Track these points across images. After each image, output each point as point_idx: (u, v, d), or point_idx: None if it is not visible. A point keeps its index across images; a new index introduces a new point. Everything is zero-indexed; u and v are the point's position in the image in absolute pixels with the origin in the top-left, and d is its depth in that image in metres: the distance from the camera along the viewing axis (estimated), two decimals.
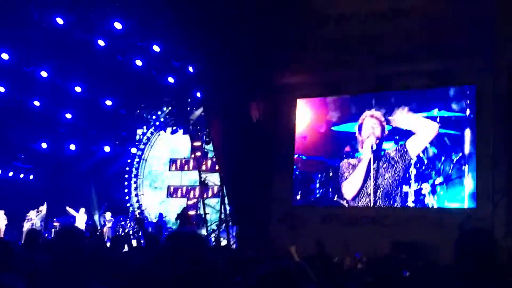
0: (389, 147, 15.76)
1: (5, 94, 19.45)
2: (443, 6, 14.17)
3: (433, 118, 15.24)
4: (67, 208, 19.95)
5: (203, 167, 20.39)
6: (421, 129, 15.38)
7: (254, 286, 3.85)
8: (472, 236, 3.35)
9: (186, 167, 22.29)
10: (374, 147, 15.77)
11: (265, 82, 16.16)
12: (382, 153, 15.78)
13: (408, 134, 15.60)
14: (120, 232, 19.77)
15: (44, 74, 19.11)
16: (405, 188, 15.33)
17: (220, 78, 16.17)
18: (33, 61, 18.80)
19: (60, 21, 17.06)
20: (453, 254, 3.34)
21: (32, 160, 22.85)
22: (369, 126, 16.14)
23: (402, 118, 15.64)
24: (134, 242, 16.32)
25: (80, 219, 19.69)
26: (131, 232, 20.32)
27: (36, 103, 20.44)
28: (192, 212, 20.45)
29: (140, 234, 16.51)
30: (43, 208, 20.03)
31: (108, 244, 11.67)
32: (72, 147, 22.45)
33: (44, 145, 22.25)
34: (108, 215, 20.54)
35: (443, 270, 4.27)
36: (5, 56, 17.74)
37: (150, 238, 9.42)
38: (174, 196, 22.60)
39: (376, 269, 4.97)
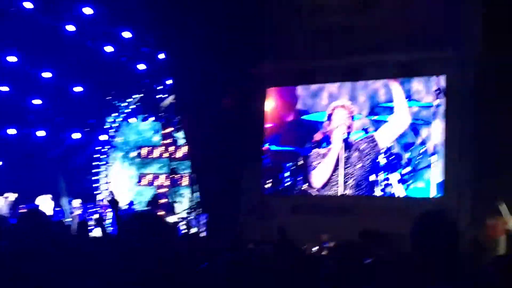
0: (358, 136, 15.88)
1: None
2: None
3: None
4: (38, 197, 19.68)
5: (173, 155, 20.35)
6: (397, 116, 15.49)
7: (220, 273, 3.87)
8: (427, 219, 3.38)
9: (156, 155, 22.16)
10: (345, 136, 15.88)
11: (235, 70, 16.12)
12: (352, 143, 15.89)
13: (377, 123, 15.73)
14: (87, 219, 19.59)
15: (12, 59, 18.83)
16: (373, 177, 15.48)
17: (191, 65, 16.12)
18: (0, 46, 18.50)
19: (29, 5, 16.82)
20: (412, 236, 3.37)
21: (1, 147, 22.50)
22: (338, 116, 16.24)
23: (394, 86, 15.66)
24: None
25: (46, 206, 19.44)
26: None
27: (4, 89, 20.13)
28: (162, 200, 20.37)
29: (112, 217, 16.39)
30: (11, 195, 19.73)
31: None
32: (41, 133, 22.15)
33: (11, 131, 21.92)
34: (76, 202, 20.34)
35: (405, 258, 4.32)
36: None
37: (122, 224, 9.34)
38: (144, 184, 22.48)
39: (339, 255, 5.01)
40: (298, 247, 6.41)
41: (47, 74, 19.83)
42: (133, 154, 23.05)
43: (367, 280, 4.55)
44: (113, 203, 7.50)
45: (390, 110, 15.64)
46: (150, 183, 22.14)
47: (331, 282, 4.51)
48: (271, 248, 4.87)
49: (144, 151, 22.47)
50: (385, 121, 15.66)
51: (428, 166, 14.86)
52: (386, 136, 15.51)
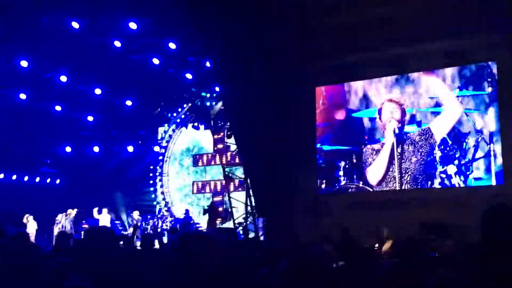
0: (411, 129, 15.62)
1: (27, 101, 19.69)
2: None
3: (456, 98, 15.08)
4: (94, 210, 20.14)
5: (227, 161, 20.46)
6: (448, 107, 15.20)
7: (278, 280, 3.85)
8: (499, 213, 3.30)
9: (209, 162, 22.34)
10: (397, 131, 15.63)
11: (282, 72, 16.08)
12: (405, 136, 15.64)
13: (429, 115, 15.45)
14: (148, 231, 19.90)
15: (63, 78, 19.31)
16: (431, 170, 15.20)
17: (237, 70, 16.16)
18: (51, 67, 19.00)
19: (75, 25, 17.20)
20: (480, 232, 3.29)
21: (58, 165, 23.09)
22: (388, 110, 16.00)
23: (433, 82, 15.41)
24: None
25: (104, 220, 19.87)
26: (159, 229, 20.48)
27: (58, 108, 20.66)
28: (219, 207, 20.51)
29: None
30: (72, 211, 20.23)
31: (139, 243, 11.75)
32: (96, 149, 22.64)
33: (68, 149, 22.47)
34: (135, 214, 20.68)
35: (471, 249, 4.22)
36: (24, 64, 17.93)
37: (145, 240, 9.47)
38: (200, 191, 22.68)
39: (403, 250, 4.92)
40: (360, 245, 6.31)
41: (97, 91, 20.24)
42: (187, 162, 23.30)
43: (432, 274, 4.46)
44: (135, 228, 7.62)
45: (440, 101, 15.35)
46: (205, 191, 22.32)
47: (394, 278, 4.44)
48: (332, 248, 4.82)
49: (197, 159, 22.68)
50: (438, 113, 15.36)
51: (486, 155, 14.50)
52: (441, 127, 15.20)
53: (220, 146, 20.55)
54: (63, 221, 20.10)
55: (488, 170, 14.48)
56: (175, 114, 22.93)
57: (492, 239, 3.22)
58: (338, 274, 4.14)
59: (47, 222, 20.30)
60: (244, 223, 17.97)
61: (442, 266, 4.51)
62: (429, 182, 15.22)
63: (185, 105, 22.34)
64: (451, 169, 14.98)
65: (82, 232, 19.98)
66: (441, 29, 14.31)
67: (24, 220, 19.68)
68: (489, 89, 14.61)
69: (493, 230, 3.23)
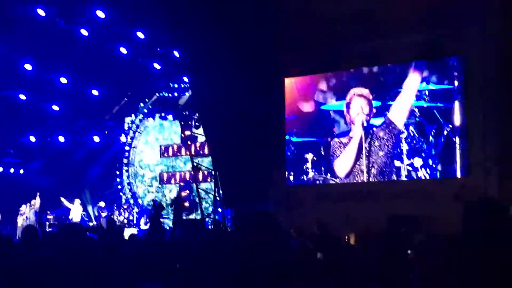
0: (378, 123, 15.78)
1: None
2: None
3: (421, 91, 15.25)
4: (62, 199, 19.87)
5: (194, 152, 20.39)
6: (403, 94, 15.40)
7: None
8: (482, 207, 3.37)
9: (177, 153, 22.24)
10: (365, 124, 15.79)
11: (252, 63, 16.05)
12: (372, 130, 15.80)
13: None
14: (116, 221, 19.74)
15: (28, 67, 18.97)
16: (398, 163, 15.39)
17: (206, 61, 16.09)
18: (17, 54, 18.65)
19: (41, 12, 16.91)
20: (462, 226, 3.36)
21: (22, 154, 22.71)
22: (357, 103, 16.12)
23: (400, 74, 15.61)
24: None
25: (75, 211, 19.64)
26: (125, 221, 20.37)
27: (22, 97, 20.31)
28: (186, 198, 20.45)
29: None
30: (36, 202, 19.94)
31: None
32: (61, 139, 22.33)
33: (32, 139, 22.12)
34: (102, 204, 20.49)
35: (451, 242, 4.29)
36: None
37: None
38: (166, 182, 22.59)
39: (380, 245, 4.99)
40: (339, 240, 6.37)
41: (63, 80, 19.95)
42: (154, 153, 23.16)
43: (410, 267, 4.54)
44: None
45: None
46: (172, 182, 22.24)
47: (377, 271, 4.50)
48: (311, 243, 4.85)
49: (164, 149, 22.56)
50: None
51: (452, 148, 14.74)
52: (398, 114, 15.37)
53: (188, 136, 20.46)
54: (27, 212, 19.81)
55: (453, 163, 14.73)
56: (142, 104, 22.75)
57: (474, 231, 3.29)
58: (320, 267, 4.18)
59: (11, 213, 19.99)
60: (213, 215, 17.96)
61: (422, 259, 4.59)
62: (396, 175, 15.43)
63: (153, 95, 22.16)
64: (417, 162, 15.19)
65: (47, 223, 19.76)
66: (410, 23, 14.46)
67: None
68: (456, 83, 14.83)
69: (476, 222, 3.30)
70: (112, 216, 19.19)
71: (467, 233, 3.40)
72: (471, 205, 3.51)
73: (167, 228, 17.74)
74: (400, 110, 15.40)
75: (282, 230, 3.16)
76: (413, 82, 15.32)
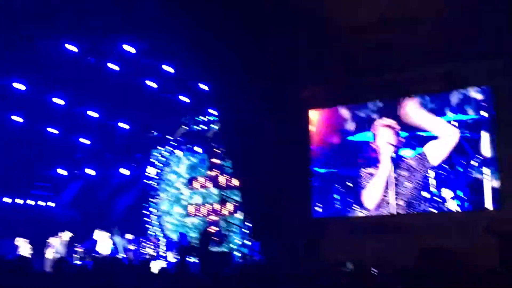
0: (407, 154, 15.68)
1: (22, 124, 19.66)
2: (455, 9, 14.07)
3: (448, 122, 15.17)
4: (96, 231, 19.91)
5: (222, 184, 20.44)
6: (443, 133, 15.27)
7: None
8: None
9: (205, 185, 22.29)
10: (393, 155, 15.71)
11: (278, 95, 16.17)
12: (400, 160, 15.70)
13: (425, 139, 15.52)
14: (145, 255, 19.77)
15: (59, 101, 19.34)
16: (426, 195, 15.24)
17: (233, 93, 16.25)
18: (48, 89, 19.02)
19: (73, 48, 17.29)
20: (504, 258, 3.31)
21: (52, 187, 23.00)
22: (384, 134, 16.07)
23: (415, 113, 15.51)
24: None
25: (104, 244, 19.73)
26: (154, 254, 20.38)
27: (53, 131, 20.66)
28: (214, 229, 20.44)
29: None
30: (65, 234, 20.08)
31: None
32: (91, 172, 22.60)
33: (62, 172, 22.42)
34: (129, 237, 20.55)
35: (486, 278, 4.23)
36: (21, 86, 17.95)
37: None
38: (194, 215, 22.62)
39: (412, 280, 4.93)
40: (370, 274, 6.32)
41: (93, 113, 20.27)
42: (182, 185, 23.25)
43: None
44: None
45: (435, 126, 15.44)
46: (200, 214, 22.25)
47: None
48: (344, 277, 4.82)
49: (192, 182, 22.62)
50: (433, 137, 15.44)
51: (482, 179, 14.56)
52: (437, 153, 15.26)
53: (216, 169, 20.56)
54: (57, 245, 19.93)
55: (483, 194, 14.53)
56: (171, 137, 22.93)
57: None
58: None
59: (40, 245, 20.12)
60: (241, 248, 17.91)
61: None
62: (424, 207, 15.26)
63: (180, 128, 22.34)
64: (447, 193, 15.03)
65: (77, 256, 19.84)
66: (437, 53, 14.45)
67: (16, 243, 19.53)
68: (484, 114, 14.71)
69: None
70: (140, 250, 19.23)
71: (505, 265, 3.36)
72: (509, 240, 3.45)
73: (196, 261, 17.71)
74: (439, 149, 15.26)
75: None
76: (445, 127, 15.21)
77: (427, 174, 15.25)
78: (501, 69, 13.91)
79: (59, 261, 8.74)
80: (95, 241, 19.96)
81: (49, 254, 19.93)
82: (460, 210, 14.71)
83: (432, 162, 15.23)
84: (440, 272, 7.07)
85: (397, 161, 15.70)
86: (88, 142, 21.55)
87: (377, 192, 15.90)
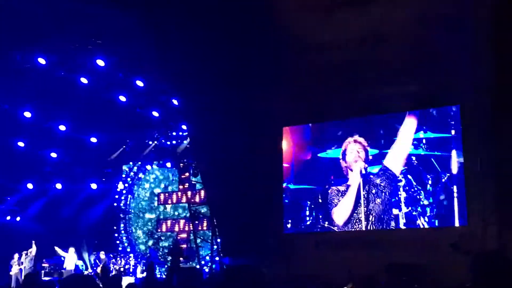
0: (375, 171, 15.83)
1: None
2: (423, 30, 14.32)
3: (419, 140, 15.35)
4: (56, 248, 19.70)
5: (192, 200, 20.35)
6: (399, 143, 15.52)
7: None
8: (489, 258, 3.39)
9: (174, 200, 22.16)
10: (363, 172, 15.84)
11: (249, 112, 16.21)
12: (370, 177, 15.83)
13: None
14: (112, 270, 19.52)
15: (27, 114, 19.10)
16: (396, 211, 15.37)
17: (205, 109, 16.23)
18: (16, 101, 18.79)
19: (42, 61, 17.13)
20: (475, 279, 3.36)
21: (19, 202, 22.64)
22: (353, 151, 16.21)
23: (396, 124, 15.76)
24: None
25: (70, 259, 19.45)
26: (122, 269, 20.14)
27: (20, 144, 20.37)
28: (183, 246, 20.31)
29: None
30: (32, 250, 19.75)
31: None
32: (59, 186, 22.31)
33: (29, 186, 22.11)
34: (102, 254, 20.29)
35: None
36: None
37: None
38: (164, 230, 22.43)
39: None
40: None
41: (62, 127, 20.05)
42: (151, 200, 23.09)
43: None
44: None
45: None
46: (170, 229, 22.10)
47: None
48: None
49: (162, 197, 22.49)
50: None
51: (449, 196, 14.76)
52: (394, 162, 15.45)
53: (185, 184, 20.47)
54: (24, 260, 19.60)
55: (451, 211, 14.71)
56: (140, 152, 22.78)
57: (483, 283, 3.30)
58: None
59: (6, 261, 19.77)
60: (210, 263, 17.82)
61: None
62: (395, 223, 15.39)
63: (151, 143, 22.23)
64: (416, 210, 15.18)
65: (42, 272, 19.52)
66: (407, 73, 14.66)
67: None
68: (453, 132, 14.93)
69: (485, 275, 3.31)
70: (107, 265, 19.00)
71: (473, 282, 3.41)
72: (480, 257, 3.50)
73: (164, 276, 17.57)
74: (396, 158, 15.48)
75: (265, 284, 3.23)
76: (408, 130, 15.45)
77: (397, 191, 15.40)
78: (468, 88, 14.12)
79: (28, 277, 8.61)
80: (62, 257, 19.69)
81: (14, 270, 19.59)
82: (427, 227, 14.87)
83: (395, 172, 15.38)
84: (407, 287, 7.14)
85: (366, 177, 15.82)
86: (55, 155, 21.27)
87: (347, 208, 15.98)
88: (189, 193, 20.48)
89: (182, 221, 21.79)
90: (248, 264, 3.30)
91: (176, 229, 21.84)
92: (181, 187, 21.24)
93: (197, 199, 20.47)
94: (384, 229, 15.40)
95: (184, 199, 21.11)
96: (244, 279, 3.21)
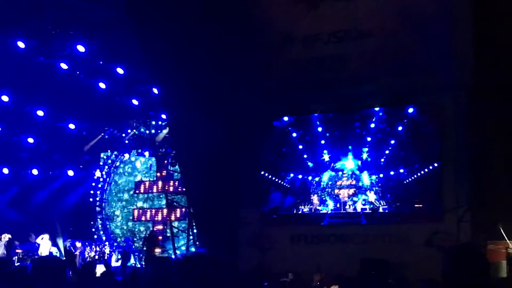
0: (349, 166, 16.09)
1: None
2: (403, 27, 14.40)
3: (393, 137, 15.50)
4: (31, 234, 19.54)
5: (169, 189, 20.30)
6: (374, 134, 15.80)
7: None
8: (463, 254, 3.43)
9: (152, 189, 22.09)
10: (333, 165, 16.14)
11: (229, 103, 16.18)
12: (342, 170, 16.10)
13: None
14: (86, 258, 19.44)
15: (5, 98, 18.85)
16: (368, 205, 15.53)
17: (184, 99, 16.14)
18: None
19: (21, 45, 16.89)
20: (444, 271, 3.40)
21: None
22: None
23: None
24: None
25: (44, 246, 19.30)
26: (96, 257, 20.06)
27: None
28: (159, 235, 20.26)
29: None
30: (5, 236, 19.55)
31: None
32: (35, 172, 22.11)
33: (5, 171, 21.89)
34: (77, 243, 20.16)
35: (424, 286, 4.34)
36: None
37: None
38: (140, 219, 22.36)
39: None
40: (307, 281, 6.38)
41: (40, 112, 19.83)
42: (128, 189, 22.98)
43: None
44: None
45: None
46: (148, 218, 22.03)
47: None
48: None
49: (139, 186, 22.39)
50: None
51: (425, 193, 14.91)
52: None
53: (163, 173, 20.40)
54: None
55: (427, 207, 14.86)
56: (119, 140, 22.64)
57: (454, 278, 3.34)
58: None
59: None
60: (186, 252, 17.81)
61: None
62: (367, 218, 15.56)
63: (129, 131, 22.10)
64: (389, 204, 15.36)
65: (15, 258, 19.36)
66: (387, 70, 14.71)
67: None
68: (429, 130, 15.08)
69: (457, 269, 3.34)
70: (69, 248, 18.82)
71: (446, 279, 3.44)
72: (451, 251, 3.54)
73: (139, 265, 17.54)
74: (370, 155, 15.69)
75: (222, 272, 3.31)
76: (383, 127, 15.61)
77: (362, 184, 15.62)
78: (445, 86, 14.21)
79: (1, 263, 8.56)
80: (36, 243, 19.54)
81: None
82: (402, 222, 15.00)
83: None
84: (379, 282, 7.21)
85: (338, 171, 16.05)
86: (32, 141, 21.04)
87: (322, 201, 16.16)
88: (166, 182, 20.41)
89: (158, 210, 21.73)
90: (203, 253, 3.38)
91: (153, 218, 21.78)
92: (158, 174, 21.18)
93: (174, 189, 20.41)
94: (359, 224, 15.54)
95: (161, 188, 21.06)
96: (196, 268, 3.27)
